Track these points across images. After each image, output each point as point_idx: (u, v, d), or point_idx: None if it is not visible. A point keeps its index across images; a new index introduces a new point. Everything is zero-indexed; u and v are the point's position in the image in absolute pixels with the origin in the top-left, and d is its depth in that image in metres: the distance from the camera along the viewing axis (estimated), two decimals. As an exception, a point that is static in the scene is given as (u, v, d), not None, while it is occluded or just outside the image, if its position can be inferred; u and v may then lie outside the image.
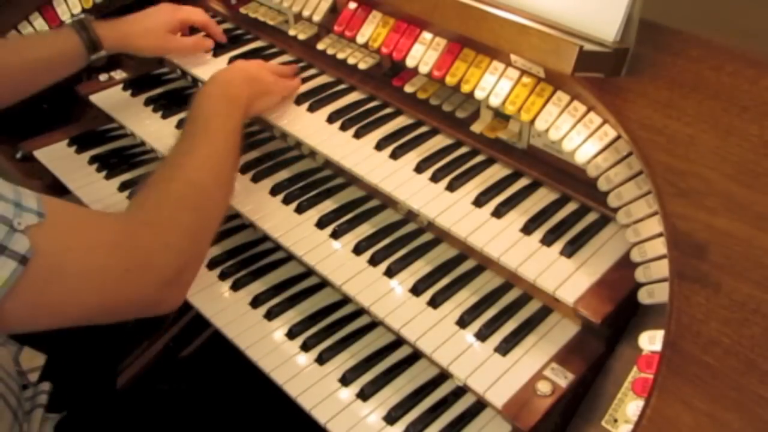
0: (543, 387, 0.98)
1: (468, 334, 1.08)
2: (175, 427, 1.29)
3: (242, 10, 1.65)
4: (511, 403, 0.98)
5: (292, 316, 1.25)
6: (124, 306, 0.95)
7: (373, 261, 1.19)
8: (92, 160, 1.60)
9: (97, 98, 1.63)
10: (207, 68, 1.53)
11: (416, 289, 1.14)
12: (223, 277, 1.32)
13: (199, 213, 1.05)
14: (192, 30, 1.59)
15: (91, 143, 1.66)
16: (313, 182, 1.36)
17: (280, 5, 1.46)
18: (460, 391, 1.11)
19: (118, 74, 1.72)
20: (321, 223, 1.25)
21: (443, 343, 1.06)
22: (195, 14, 1.55)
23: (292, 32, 1.51)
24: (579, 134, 1.02)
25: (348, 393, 1.12)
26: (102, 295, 0.90)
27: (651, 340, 0.93)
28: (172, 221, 1.01)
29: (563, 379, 1.00)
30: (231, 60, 1.53)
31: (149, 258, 0.95)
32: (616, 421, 0.94)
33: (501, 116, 1.23)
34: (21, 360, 1.25)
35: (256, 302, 1.27)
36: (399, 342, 1.19)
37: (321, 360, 1.16)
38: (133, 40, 1.47)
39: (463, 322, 1.09)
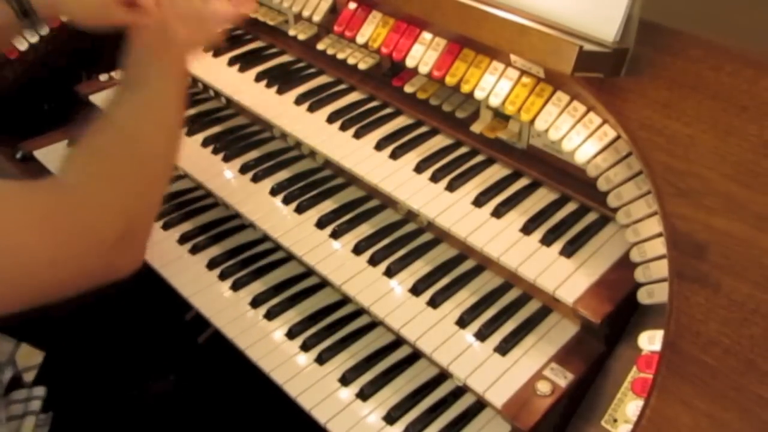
0: (542, 387, 0.98)
1: (468, 334, 1.08)
2: (174, 427, 1.29)
3: (242, 10, 1.65)
4: (511, 403, 0.98)
5: (292, 316, 1.25)
6: (73, 278, 0.87)
7: (373, 261, 1.19)
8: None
9: (97, 98, 1.63)
10: (207, 68, 1.53)
11: (416, 289, 1.14)
12: (223, 277, 1.32)
13: (139, 164, 0.94)
14: None
15: (91, 143, 1.66)
16: (313, 182, 1.36)
17: (280, 5, 1.46)
18: (460, 391, 1.11)
19: (118, 74, 1.72)
20: (321, 223, 1.26)
21: (443, 343, 1.06)
22: None
23: (292, 32, 1.51)
24: (579, 134, 1.02)
25: (348, 393, 1.12)
26: (40, 273, 0.83)
27: (650, 340, 0.93)
28: (108, 178, 0.91)
29: (563, 379, 1.00)
30: (231, 60, 1.53)
31: (87, 222, 0.87)
32: (615, 421, 0.94)
33: (501, 116, 1.23)
34: (18, 357, 1.24)
35: (256, 302, 1.27)
36: (399, 342, 1.19)
37: (321, 360, 1.16)
38: (68, 3, 1.25)
39: (462, 322, 1.09)
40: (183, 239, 1.40)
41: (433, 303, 1.12)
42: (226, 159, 1.42)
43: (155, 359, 1.67)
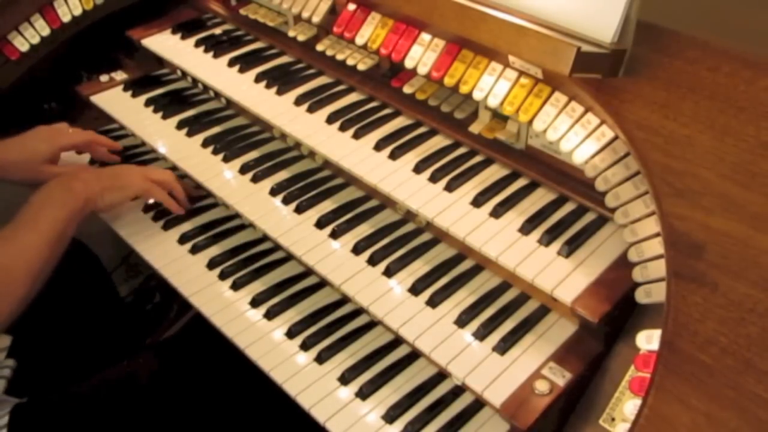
0: (541, 386, 0.99)
1: (466, 334, 1.08)
2: (173, 427, 1.29)
3: (242, 12, 1.65)
4: (509, 402, 0.98)
5: (292, 315, 1.25)
6: None
7: (372, 261, 1.20)
8: (93, 160, 1.61)
9: (97, 99, 1.64)
10: (207, 69, 1.53)
11: (415, 289, 1.15)
12: (223, 277, 1.32)
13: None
14: None
15: (92, 144, 1.66)
16: (312, 182, 1.37)
17: (279, 6, 1.46)
18: (459, 390, 1.12)
19: (119, 75, 1.72)
20: (320, 223, 1.26)
21: (442, 342, 1.06)
22: (76, 136, 1.50)
23: (291, 33, 1.51)
24: (577, 135, 1.02)
25: (347, 392, 1.13)
26: None
27: (648, 340, 0.93)
28: None
29: (561, 378, 1.00)
30: (231, 61, 1.54)
31: None
32: (613, 419, 0.95)
33: (499, 117, 1.24)
34: None
35: (255, 302, 1.27)
36: (398, 341, 1.20)
37: (320, 359, 1.17)
38: (6, 170, 1.44)
39: (461, 322, 1.09)
40: (183, 239, 1.40)
41: (432, 302, 1.12)
42: (226, 159, 1.42)
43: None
